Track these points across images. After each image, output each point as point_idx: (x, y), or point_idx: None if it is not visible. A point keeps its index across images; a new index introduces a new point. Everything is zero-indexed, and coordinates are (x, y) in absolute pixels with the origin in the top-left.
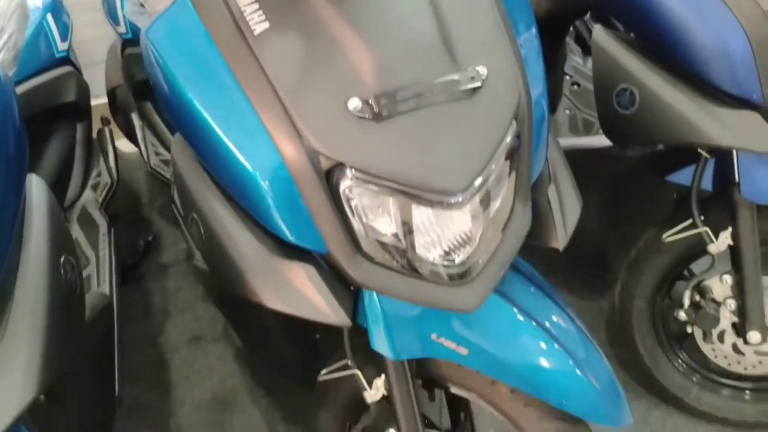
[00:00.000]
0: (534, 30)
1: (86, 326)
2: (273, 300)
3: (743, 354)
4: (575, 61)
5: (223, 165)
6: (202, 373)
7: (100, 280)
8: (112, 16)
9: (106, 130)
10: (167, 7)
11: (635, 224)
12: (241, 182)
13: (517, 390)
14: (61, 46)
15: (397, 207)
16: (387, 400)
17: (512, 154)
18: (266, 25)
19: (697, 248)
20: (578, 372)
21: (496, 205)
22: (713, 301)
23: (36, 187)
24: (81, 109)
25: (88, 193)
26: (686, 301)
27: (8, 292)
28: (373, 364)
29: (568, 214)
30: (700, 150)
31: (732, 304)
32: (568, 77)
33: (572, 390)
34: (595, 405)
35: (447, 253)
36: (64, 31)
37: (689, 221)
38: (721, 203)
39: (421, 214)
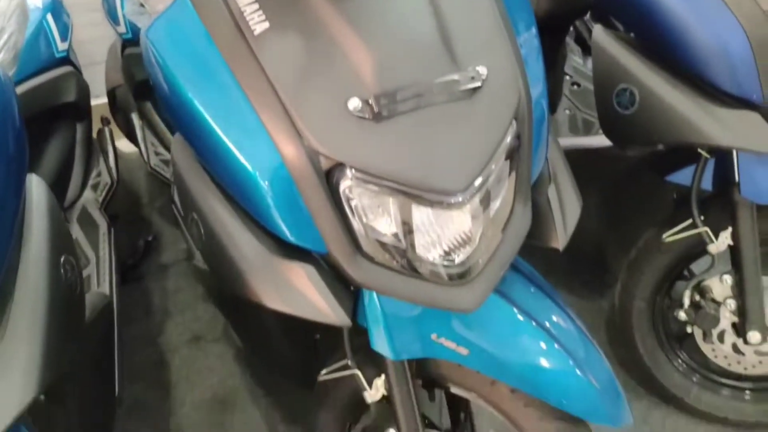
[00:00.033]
0: (534, 30)
1: (86, 326)
2: (273, 300)
3: (743, 354)
4: (575, 61)
5: (223, 165)
6: (202, 373)
7: (100, 280)
8: (112, 16)
9: (106, 130)
10: (167, 6)
11: (635, 224)
12: (241, 182)
13: (517, 390)
14: (61, 46)
15: (397, 207)
16: (387, 400)
17: (512, 154)
18: (266, 25)
19: (697, 248)
20: (578, 372)
21: (496, 205)
22: (713, 301)
23: (36, 187)
24: (81, 109)
25: (88, 193)
26: (686, 301)
27: (8, 292)
28: (373, 364)
29: (568, 214)
30: (700, 150)
31: (732, 304)
32: (568, 77)
33: (572, 390)
34: (595, 405)
35: (447, 253)
36: (64, 31)
37: (689, 221)
38: (721, 203)
39: (421, 214)
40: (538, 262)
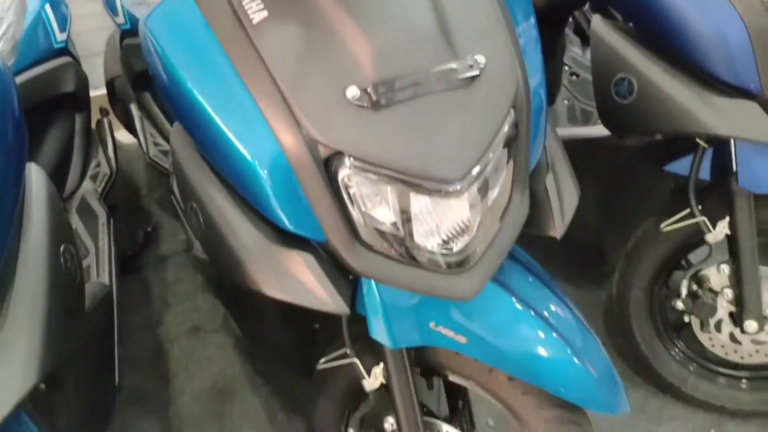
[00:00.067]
0: (532, 20)
1: (86, 315)
2: (272, 288)
3: (740, 343)
4: (574, 52)
5: (222, 154)
6: (202, 363)
7: (100, 270)
8: (111, 7)
9: (105, 120)
10: None
11: (633, 214)
12: (240, 171)
13: (515, 378)
14: (60, 36)
15: (395, 195)
16: (385, 388)
17: (510, 143)
18: (265, 14)
19: (695, 238)
20: (576, 360)
21: (494, 193)
22: (710, 290)
23: (35, 176)
24: (80, 100)
25: (87, 184)
26: (684, 291)
27: (8, 281)
28: (372, 352)
29: (566, 203)
30: (698, 140)
31: (729, 293)
32: (567, 68)
33: (570, 378)
34: (593, 393)
35: (445, 242)
36: (63, 22)
37: (687, 211)
38: (719, 193)
39: (419, 203)
40: (536, 252)
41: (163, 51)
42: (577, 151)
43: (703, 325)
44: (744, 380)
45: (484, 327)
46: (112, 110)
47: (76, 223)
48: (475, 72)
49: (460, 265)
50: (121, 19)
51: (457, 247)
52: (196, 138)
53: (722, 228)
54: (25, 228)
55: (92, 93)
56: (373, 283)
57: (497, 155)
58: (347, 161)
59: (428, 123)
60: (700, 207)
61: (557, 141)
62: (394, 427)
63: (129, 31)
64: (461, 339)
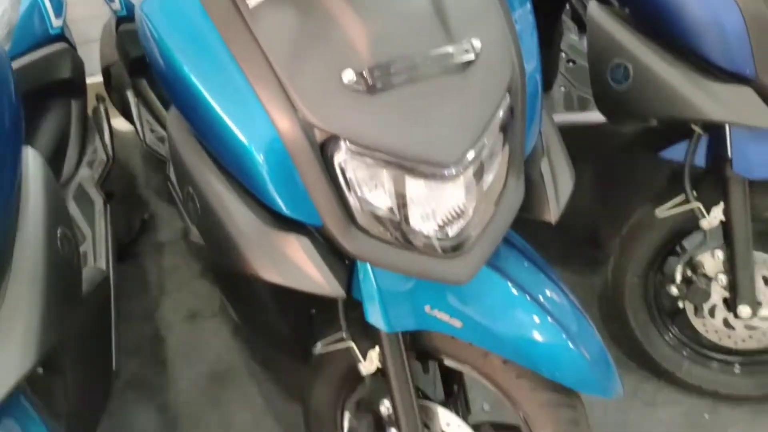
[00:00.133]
0: (528, 6)
1: (83, 300)
2: (268, 272)
3: (734, 328)
4: (571, 39)
5: (219, 138)
6: (199, 349)
7: (97, 257)
8: None
9: (102, 107)
10: None
11: (628, 200)
12: (237, 155)
13: (510, 362)
14: (56, 22)
15: (391, 179)
16: (381, 372)
17: (505, 128)
18: None
19: (690, 224)
20: (570, 344)
21: (489, 178)
22: (705, 276)
23: (32, 161)
24: (76, 86)
25: (83, 171)
26: (678, 277)
27: (5, 264)
28: (368, 336)
29: (561, 188)
30: (693, 126)
31: (723, 279)
32: (563, 54)
33: (564, 362)
34: (587, 376)
35: (441, 226)
36: (59, 8)
37: (682, 197)
38: (714, 179)
39: (415, 187)
40: (532, 237)
41: (160, 36)
42: (573, 137)
43: (697, 311)
44: (737, 365)
45: (479, 311)
46: (109, 97)
47: (73, 209)
48: (471, 56)
49: (455, 249)
50: (117, 5)
51: (452, 231)
52: (192, 123)
53: (717, 214)
54: (22, 212)
55: (88, 80)
56: (368, 267)
57: (493, 140)
58: (343, 145)
59: (424, 107)
60: (694, 193)
61: (553, 126)
62: (390, 410)
63: (125, 17)
64: (456, 323)
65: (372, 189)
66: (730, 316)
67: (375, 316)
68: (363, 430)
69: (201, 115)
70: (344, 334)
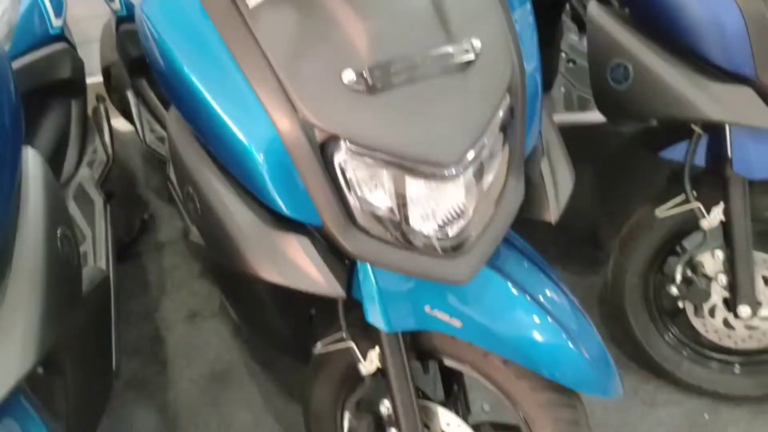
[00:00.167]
0: (528, 6)
1: (83, 299)
2: (268, 272)
3: (733, 328)
4: (571, 39)
5: (219, 138)
6: (199, 349)
7: (97, 256)
8: None
9: (102, 107)
10: None
11: (628, 200)
12: (237, 155)
13: (510, 362)
14: (56, 22)
15: (391, 179)
16: (381, 372)
17: (505, 128)
18: None
19: (690, 224)
20: (570, 344)
21: (489, 178)
22: (705, 276)
23: (32, 160)
24: (76, 86)
25: (83, 170)
26: (678, 277)
27: (6, 263)
28: (368, 336)
29: (561, 188)
30: (693, 126)
31: (723, 279)
32: (563, 55)
33: (564, 361)
34: (587, 376)
35: (441, 226)
36: (59, 8)
37: (682, 197)
38: (714, 179)
39: (415, 187)
40: (532, 238)
41: (160, 36)
42: (573, 137)
43: (697, 311)
44: (737, 365)
45: (479, 311)
46: (109, 97)
47: (73, 209)
48: (471, 56)
49: (455, 249)
50: (117, 5)
51: (452, 231)
52: (192, 123)
53: (717, 214)
54: (22, 211)
55: (88, 80)
56: (368, 267)
57: (493, 140)
58: (343, 145)
59: (424, 107)
60: (694, 193)
61: (553, 126)
62: (390, 410)
63: (125, 17)
64: (456, 323)
65: (372, 189)
66: (730, 316)
67: (375, 316)
68: (363, 430)
69: (201, 115)
70: (344, 334)
